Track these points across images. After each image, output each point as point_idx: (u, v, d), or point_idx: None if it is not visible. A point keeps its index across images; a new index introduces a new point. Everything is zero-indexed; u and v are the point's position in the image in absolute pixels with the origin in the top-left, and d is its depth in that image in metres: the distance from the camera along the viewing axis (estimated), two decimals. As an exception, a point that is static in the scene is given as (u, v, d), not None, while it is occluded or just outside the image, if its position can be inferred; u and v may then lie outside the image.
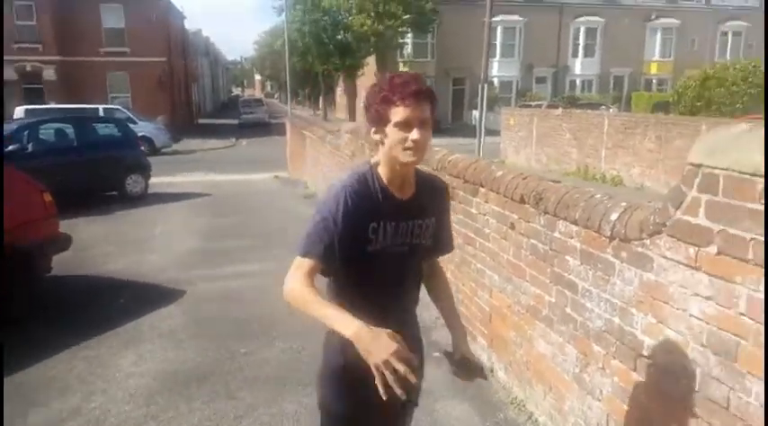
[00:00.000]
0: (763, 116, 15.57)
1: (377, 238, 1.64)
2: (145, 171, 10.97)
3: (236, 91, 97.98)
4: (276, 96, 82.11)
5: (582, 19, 33.59)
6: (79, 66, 24.52)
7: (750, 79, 22.33)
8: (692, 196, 1.91)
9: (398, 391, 1.33)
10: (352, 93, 35.69)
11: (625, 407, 2.36)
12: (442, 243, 1.88)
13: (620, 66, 34.51)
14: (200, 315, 4.78)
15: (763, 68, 22.95)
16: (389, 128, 1.58)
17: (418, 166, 1.76)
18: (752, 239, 1.71)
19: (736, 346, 1.80)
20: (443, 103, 31.68)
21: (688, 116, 18.80)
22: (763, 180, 1.65)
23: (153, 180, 11.25)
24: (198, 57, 45.63)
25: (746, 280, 1.74)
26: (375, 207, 1.64)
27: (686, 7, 35.72)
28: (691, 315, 1.97)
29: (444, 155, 3.93)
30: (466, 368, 1.77)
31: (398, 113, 1.55)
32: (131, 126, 13.68)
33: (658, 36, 35.43)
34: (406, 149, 1.57)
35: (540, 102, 26.16)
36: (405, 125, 1.56)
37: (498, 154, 17.42)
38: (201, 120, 38.76)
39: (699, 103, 22.56)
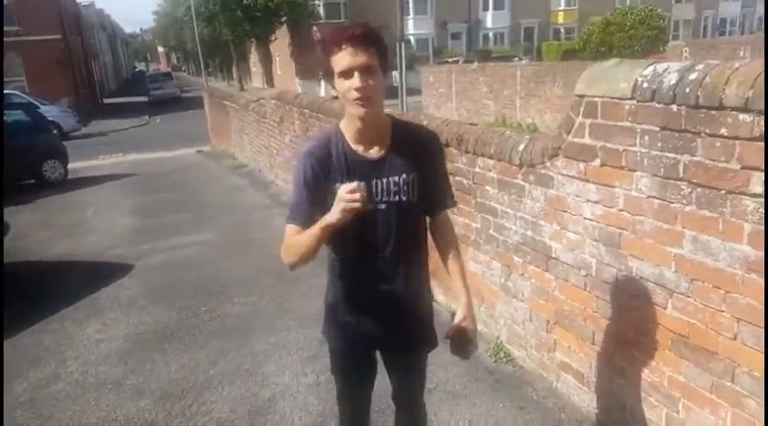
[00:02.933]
0: (659, 55, 16.85)
1: None
2: (61, 156, 10.62)
3: (140, 66, 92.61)
4: (183, 69, 78.42)
5: (489, -29, 34.32)
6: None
7: (647, 22, 23.92)
8: (579, 121, 2.39)
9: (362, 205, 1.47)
10: (266, 60, 34.90)
11: (542, 302, 2.89)
12: (433, 198, 1.78)
13: (529, 17, 35.67)
14: (154, 283, 4.98)
15: (658, 12, 24.58)
16: (336, 80, 1.56)
17: (403, 118, 1.82)
18: (624, 150, 2.20)
19: (619, 236, 2.32)
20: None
21: (594, 61, 19.97)
22: (631, 101, 2.12)
23: (71, 165, 10.93)
24: (94, 32, 42.86)
25: (623, 183, 2.24)
26: (340, 167, 1.64)
27: (587, -46, 37.19)
28: (584, 218, 2.48)
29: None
30: (460, 341, 1.73)
31: (339, 61, 1.52)
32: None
33: (563, -16, 36.82)
34: (354, 100, 1.54)
35: (456, 59, 26.83)
36: (346, 73, 1.52)
37: (421, 112, 17.91)
38: (107, 100, 36.77)
39: (602, 49, 23.97)
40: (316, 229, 1.58)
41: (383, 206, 1.67)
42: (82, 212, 8.03)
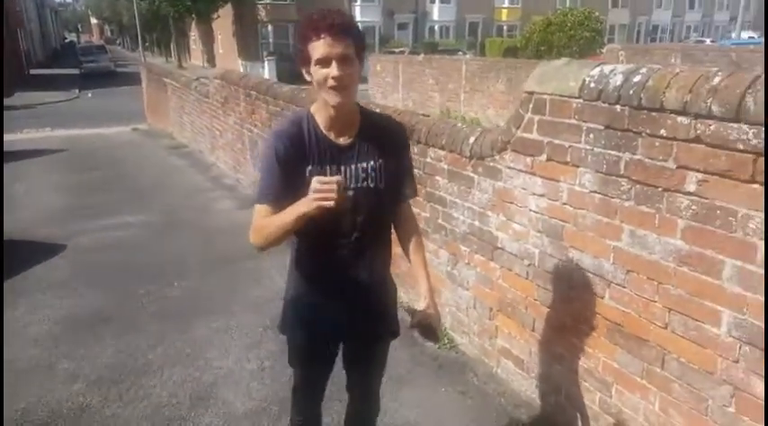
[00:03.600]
0: (596, 57, 17.53)
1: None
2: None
3: (71, 37, 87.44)
4: (118, 42, 74.71)
5: (437, -36, 34.53)
6: None
7: (586, 24, 24.82)
8: (528, 117, 2.48)
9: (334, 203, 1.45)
10: (208, 38, 33.78)
11: (486, 290, 2.99)
12: (396, 187, 1.80)
13: (474, 12, 36.21)
14: (88, 264, 4.76)
15: (596, 15, 25.55)
16: (313, 67, 1.55)
17: (372, 108, 1.86)
18: (569, 146, 2.30)
19: (562, 228, 2.43)
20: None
21: (534, 60, 20.55)
22: (578, 99, 2.22)
23: (-8, 138, 10.21)
24: (21, -2, 39.97)
25: (567, 178, 2.35)
26: (311, 150, 1.64)
27: (531, -44, 38.05)
28: (530, 210, 2.58)
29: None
30: (423, 328, 1.77)
31: (317, 49, 1.53)
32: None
33: (507, -17, 37.57)
34: (330, 88, 1.55)
35: (402, 49, 26.91)
36: (323, 61, 1.53)
37: (368, 99, 17.89)
38: (34, 71, 34.50)
39: (543, 47, 24.68)
40: (288, 217, 1.56)
41: (351, 192, 1.67)
42: (9, 188, 7.53)
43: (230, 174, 7.62)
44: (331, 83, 1.54)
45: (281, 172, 1.64)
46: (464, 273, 3.15)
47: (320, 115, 1.68)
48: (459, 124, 3.09)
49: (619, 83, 2.05)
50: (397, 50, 25.84)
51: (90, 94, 23.02)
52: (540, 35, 25.03)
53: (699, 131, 1.81)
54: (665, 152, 1.93)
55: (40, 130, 13.58)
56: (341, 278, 1.77)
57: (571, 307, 2.46)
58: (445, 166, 3.13)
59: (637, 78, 2.00)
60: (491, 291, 2.95)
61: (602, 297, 2.28)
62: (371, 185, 1.71)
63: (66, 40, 78.62)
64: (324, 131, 1.68)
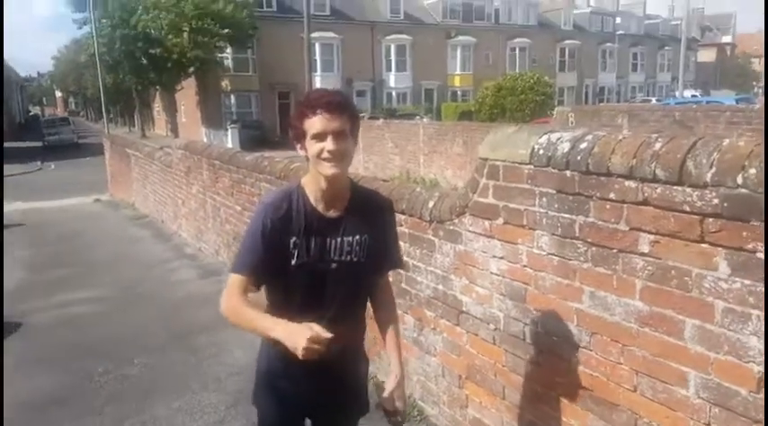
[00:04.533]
0: (547, 119, 18.30)
1: (299, 253, 1.68)
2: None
3: (35, 110, 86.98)
4: (82, 114, 74.65)
5: (391, 37, 36.11)
6: None
7: (535, 88, 26.11)
8: (483, 182, 2.53)
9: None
10: (171, 108, 34.01)
11: (454, 357, 2.94)
12: (381, 260, 1.84)
13: (429, 79, 37.69)
14: (43, 343, 4.56)
15: (545, 80, 26.92)
16: (308, 142, 1.63)
17: (360, 183, 1.92)
18: (525, 210, 2.35)
19: (525, 291, 2.44)
20: (271, 117, 31.77)
21: (488, 122, 21.36)
22: (529, 166, 2.29)
23: (-55, 214, 9.85)
24: (-18, 73, 39.77)
25: (525, 241, 2.38)
26: (297, 222, 1.68)
27: (479, 26, 40.22)
28: (492, 273, 2.59)
29: (287, 164, 4.29)
30: (392, 413, 1.79)
31: (313, 125, 1.61)
32: None
33: (459, 52, 39.37)
34: (324, 160, 1.61)
35: (362, 114, 27.56)
36: (319, 136, 1.60)
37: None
38: (-7, 145, 33.94)
39: (496, 111, 25.77)
40: (264, 328, 1.59)
41: (334, 265, 1.72)
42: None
43: (192, 243, 7.50)
44: (326, 155, 1.60)
45: (264, 246, 1.67)
46: (431, 339, 3.11)
47: (311, 188, 1.73)
48: (419, 189, 3.14)
49: (566, 150, 2.13)
50: (358, 116, 26.45)
51: (53, 166, 22.68)
52: (492, 99, 26.16)
53: (646, 194, 1.88)
54: (616, 214, 1.99)
55: (-4, 205, 13.17)
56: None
57: (540, 373, 2.43)
58: (406, 230, 3.15)
59: (583, 145, 2.09)
60: (459, 358, 2.91)
61: (570, 361, 2.27)
62: (354, 259, 1.74)
63: (31, 114, 78.01)
64: (313, 204, 1.72)
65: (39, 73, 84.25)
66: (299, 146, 1.69)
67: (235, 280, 1.68)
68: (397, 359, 1.86)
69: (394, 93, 36.97)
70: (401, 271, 3.23)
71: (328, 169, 1.63)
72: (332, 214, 1.74)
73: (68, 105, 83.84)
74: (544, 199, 2.25)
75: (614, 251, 2.01)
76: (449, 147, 14.06)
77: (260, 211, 1.72)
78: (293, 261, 1.69)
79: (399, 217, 3.16)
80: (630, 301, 1.99)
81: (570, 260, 2.19)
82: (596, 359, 2.16)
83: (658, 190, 1.84)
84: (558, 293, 2.27)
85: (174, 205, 8.24)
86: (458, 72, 39.36)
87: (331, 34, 32.98)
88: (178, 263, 6.83)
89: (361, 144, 17.32)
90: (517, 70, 35.14)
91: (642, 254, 1.93)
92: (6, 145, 33.78)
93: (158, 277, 6.33)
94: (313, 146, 1.62)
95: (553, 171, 2.19)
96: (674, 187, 1.80)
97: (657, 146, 1.88)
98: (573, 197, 2.13)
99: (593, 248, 2.09)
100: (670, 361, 1.89)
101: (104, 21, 25.41)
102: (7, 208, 12.65)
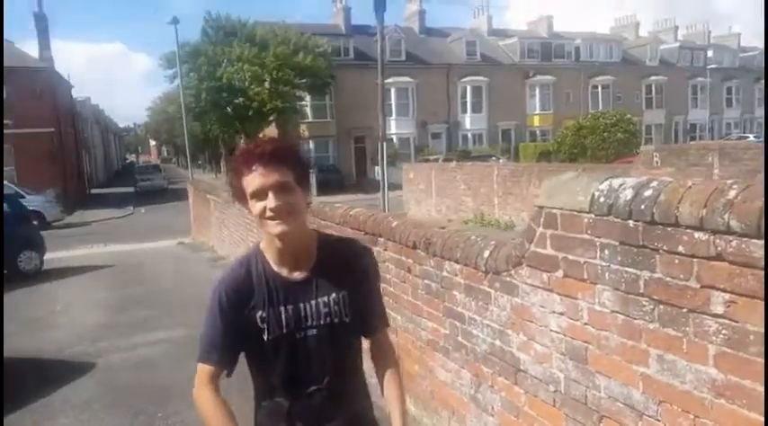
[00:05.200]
0: (632, 158, 17.53)
1: (269, 327, 1.49)
2: (38, 247, 10.45)
3: (131, 158, 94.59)
4: (173, 161, 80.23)
5: (467, 79, 36.32)
6: (-44, 140, 22.86)
7: (618, 125, 25.20)
8: (540, 231, 2.38)
9: None
10: (254, 155, 35.67)
11: (513, 418, 2.73)
12: (366, 318, 1.63)
13: (505, 119, 37.39)
14: (113, 384, 4.74)
15: (629, 117, 25.98)
16: (250, 202, 1.45)
17: (330, 233, 1.75)
18: (585, 262, 2.17)
19: (586, 351, 2.23)
20: (347, 161, 32.61)
21: (567, 162, 20.75)
22: (589, 214, 2.12)
23: (49, 255, 10.77)
24: (88, 125, 43.98)
25: (586, 296, 2.19)
26: (260, 292, 1.51)
27: (559, 65, 39.69)
28: (551, 330, 2.40)
29: (346, 210, 4.29)
30: None
31: (250, 183, 1.42)
32: (19, 200, 13.06)
33: (537, 91, 38.88)
34: (269, 218, 1.42)
35: (436, 156, 27.75)
36: (258, 194, 1.42)
37: (401, 206, 18.21)
38: (95, 190, 37.07)
39: (575, 151, 25.01)
40: None
41: (313, 331, 1.52)
42: (51, 305, 7.77)
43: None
44: (269, 214, 1.42)
45: (225, 326, 1.49)
46: (488, 397, 2.91)
47: (269, 250, 1.54)
48: (474, 237, 3.00)
49: (629, 197, 1.95)
50: (431, 158, 26.62)
51: (143, 210, 24.32)
52: (572, 139, 25.45)
53: (719, 248, 1.67)
54: (685, 270, 1.78)
55: (92, 247, 14.24)
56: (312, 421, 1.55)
57: (604, 442, 2.19)
58: (461, 280, 3.01)
59: (647, 192, 1.91)
60: (517, 419, 2.69)
61: (637, 431, 2.03)
62: (336, 320, 1.54)
63: (127, 161, 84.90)
64: (275, 268, 1.53)
65: (135, 123, 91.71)
66: (245, 207, 1.49)
67: (201, 371, 1.52)
68: (399, 421, 1.60)
69: (469, 135, 36.92)
70: (457, 323, 3.09)
71: (275, 227, 1.43)
72: (297, 276, 1.54)
73: (161, 153, 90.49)
74: (606, 251, 2.07)
75: (684, 310, 1.80)
76: (524, 189, 13.75)
77: (214, 289, 1.53)
78: (265, 337, 1.49)
79: (454, 266, 3.05)
80: (702, 368, 1.76)
81: (635, 319, 1.98)
82: (667, 431, 1.91)
83: (733, 244, 1.63)
84: (623, 355, 2.05)
85: (246, 247, 8.47)
86: (537, 112, 38.82)
87: (406, 78, 33.67)
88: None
89: (433, 187, 17.40)
90: (600, 108, 34.20)
91: (715, 316, 1.70)
92: (104, 190, 36.91)
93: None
94: (255, 206, 1.43)
95: (615, 220, 2.01)
96: (753, 240, 1.58)
97: (732, 193, 1.68)
98: (637, 249, 1.94)
99: (661, 306, 1.88)
100: (753, 440, 1.63)
101: (192, 74, 27.38)
102: (102, 250, 13.64)
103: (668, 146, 20.93)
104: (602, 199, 2.06)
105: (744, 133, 42.16)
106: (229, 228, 9.72)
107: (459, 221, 15.24)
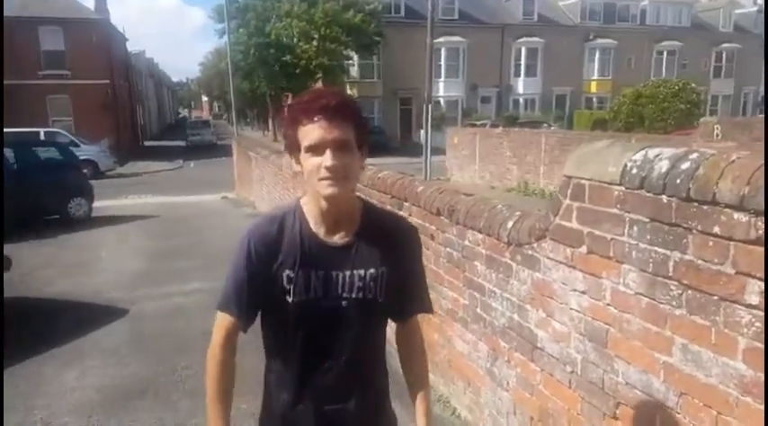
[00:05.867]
0: (692, 130, 16.62)
1: (295, 289, 1.38)
2: (88, 194, 10.83)
3: (184, 112, 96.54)
4: (224, 117, 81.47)
5: (522, 40, 34.96)
6: (18, 90, 23.73)
7: (680, 95, 23.82)
8: (566, 203, 2.21)
9: None
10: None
11: (527, 395, 2.63)
12: (406, 300, 1.51)
13: (561, 85, 35.98)
14: (143, 331, 4.87)
15: (692, 86, 24.53)
16: (303, 155, 1.33)
17: (376, 203, 1.66)
18: (612, 239, 2.00)
19: (606, 333, 2.09)
20: (392, 123, 32.24)
21: (623, 132, 19.85)
22: (620, 187, 1.94)
23: (98, 203, 11.17)
24: (142, 78, 44.90)
25: (610, 275, 2.03)
26: (292, 251, 1.39)
27: (622, 28, 37.61)
28: (571, 308, 2.25)
29: (374, 172, 4.18)
30: None
31: (307, 134, 1.30)
32: (74, 149, 13.56)
33: (597, 56, 37.12)
34: (321, 179, 1.30)
35: (484, 121, 27.04)
36: (315, 148, 1.29)
37: (444, 172, 17.92)
38: (148, 143, 38.09)
39: (632, 120, 23.87)
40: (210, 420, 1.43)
41: (344, 302, 1.40)
42: (96, 251, 8.07)
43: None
44: (324, 173, 1.29)
45: (250, 277, 1.39)
46: (504, 372, 2.81)
47: (310, 208, 1.42)
48: (500, 206, 2.85)
49: (664, 170, 1.76)
50: (478, 123, 25.96)
51: (192, 164, 24.84)
52: (630, 107, 24.26)
53: (760, 231, 1.48)
54: (720, 253, 1.60)
55: (140, 197, 14.70)
56: (324, 413, 1.44)
57: (618, 429, 2.07)
58: (483, 251, 2.88)
59: (685, 165, 1.71)
60: (531, 397, 2.59)
61: (653, 422, 1.89)
62: (369, 296, 1.41)
63: (180, 116, 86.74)
64: (313, 227, 1.41)
65: (188, 78, 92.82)
66: (293, 159, 1.38)
67: (220, 321, 1.44)
68: (424, 420, 1.51)
69: (521, 100, 35.79)
70: (477, 294, 2.98)
71: (326, 188, 1.30)
72: (337, 240, 1.41)
73: (212, 108, 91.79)
74: (635, 228, 1.89)
75: (715, 298, 1.63)
76: (572, 158, 13.20)
77: (242, 238, 1.42)
78: (290, 299, 1.38)
79: (476, 236, 2.92)
80: (730, 361, 1.60)
81: (661, 303, 1.81)
82: (684, 424, 1.77)
83: (777, 228, 1.44)
84: (645, 341, 1.90)
85: (284, 206, 8.54)
86: (595, 77, 37.18)
87: (457, 38, 32.65)
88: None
89: (477, 153, 16.99)
90: (663, 75, 32.36)
91: (749, 306, 1.53)
92: (156, 143, 37.87)
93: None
94: (308, 161, 1.31)
95: (647, 194, 1.83)
96: (801, 225, 1.39)
97: (781, 170, 1.48)
98: (669, 227, 1.76)
99: (690, 292, 1.71)
100: (780, 444, 1.48)
101: (241, 30, 27.34)
102: (150, 200, 14.06)
103: (732, 119, 19.67)
104: (634, 171, 1.87)
105: (819, 108, 39.29)
106: (268, 186, 9.79)
107: (503, 189, 14.89)
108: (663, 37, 38.40)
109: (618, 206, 1.96)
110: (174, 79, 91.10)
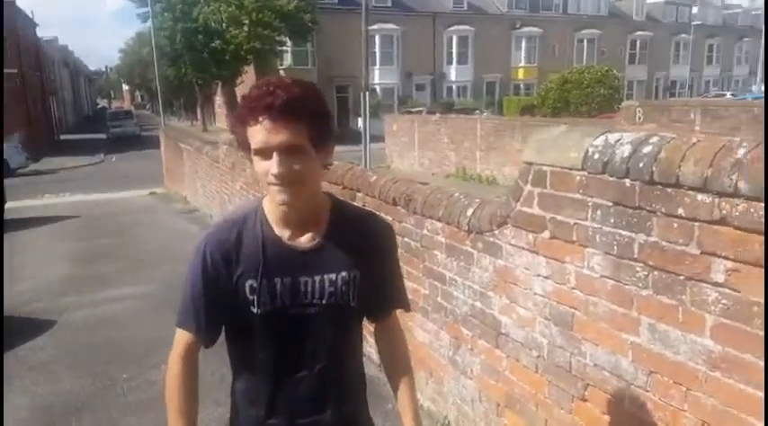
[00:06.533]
0: (613, 114, 17.41)
1: (260, 299, 1.28)
2: (-3, 194, 10.01)
3: (103, 103, 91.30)
4: (147, 107, 77.74)
5: (453, 28, 35.43)
6: None
7: (603, 81, 24.90)
8: (527, 189, 2.22)
9: None
10: (231, 103, 34.64)
11: (492, 382, 2.64)
12: (376, 301, 1.42)
13: (491, 72, 36.80)
14: (74, 343, 4.52)
15: (614, 73, 25.67)
16: (254, 158, 1.22)
17: (348, 202, 1.53)
18: (575, 223, 2.02)
19: (572, 317, 2.11)
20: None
21: (550, 117, 20.55)
22: (582, 172, 1.96)
23: (11, 204, 10.30)
24: (55, 67, 42.12)
25: (574, 259, 2.05)
26: (254, 259, 1.28)
27: (546, 16, 38.90)
28: (535, 293, 2.27)
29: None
30: None
31: (253, 136, 1.18)
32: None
33: (523, 44, 38.23)
34: (271, 184, 1.20)
35: (420, 109, 27.23)
36: (262, 152, 1.18)
37: (384, 159, 17.92)
38: (64, 136, 35.79)
39: (559, 105, 24.74)
40: None
41: (312, 310, 1.31)
42: (11, 258, 7.44)
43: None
44: (272, 179, 1.18)
45: (207, 293, 1.30)
46: (467, 360, 2.82)
47: (272, 210, 1.31)
48: (457, 194, 2.84)
49: (626, 154, 1.79)
50: (414, 110, 26.13)
51: (114, 158, 23.60)
52: (557, 93, 25.14)
53: (724, 212, 1.53)
54: (685, 234, 1.64)
55: (59, 196, 13.76)
56: (299, 425, 1.36)
57: (587, 410, 2.11)
58: (443, 240, 2.86)
59: (647, 149, 1.74)
60: (497, 383, 2.61)
61: (622, 402, 1.94)
62: (341, 302, 1.33)
63: (98, 106, 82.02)
64: (276, 230, 1.30)
65: (107, 66, 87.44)
66: (247, 157, 1.26)
67: (178, 338, 1.34)
68: (411, 422, 1.43)
69: (454, 87, 36.32)
70: (437, 283, 2.96)
71: (277, 195, 1.20)
72: (304, 244, 1.31)
73: (135, 98, 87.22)
74: (598, 212, 1.92)
75: (681, 278, 1.67)
76: (508, 143, 13.57)
77: (198, 246, 1.31)
78: (254, 310, 1.28)
79: (435, 225, 2.89)
80: (698, 339, 1.65)
81: (627, 284, 1.85)
82: (654, 402, 1.82)
83: (740, 208, 1.49)
84: (611, 322, 1.93)
85: (220, 200, 8.24)
86: (522, 64, 38.26)
87: (391, 26, 32.62)
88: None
89: (416, 140, 17.10)
90: (584, 62, 33.73)
91: (716, 284, 1.58)
92: (74, 136, 35.67)
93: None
94: (258, 164, 1.20)
95: (610, 179, 1.85)
96: (762, 205, 1.44)
97: (741, 152, 1.52)
98: (633, 211, 1.79)
99: (656, 273, 1.75)
100: (745, 415, 1.54)
101: (166, 14, 26.12)
102: (70, 199, 13.21)
103: (651, 102, 20.82)
104: (596, 156, 1.89)
105: (721, 91, 42.31)
106: (203, 180, 9.42)
107: (442, 175, 15.08)
108: (583, 25, 40.06)
109: (580, 191, 1.98)
110: (92, 67, 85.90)
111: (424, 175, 14.62)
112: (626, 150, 1.80)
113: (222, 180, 7.91)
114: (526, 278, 2.30)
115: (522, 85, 38.41)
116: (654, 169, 1.69)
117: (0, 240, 5.14)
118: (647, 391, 1.84)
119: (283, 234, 1.31)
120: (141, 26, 32.10)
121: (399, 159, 17.90)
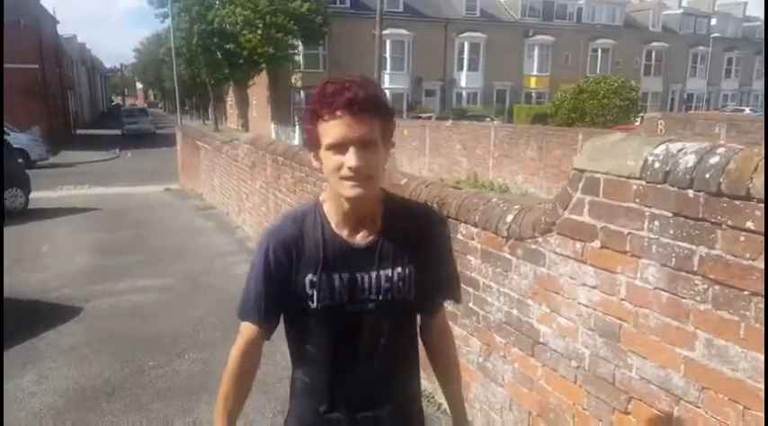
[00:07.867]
0: (630, 126, 17.31)
1: (319, 294, 1.30)
2: (24, 184, 10.09)
3: (117, 100, 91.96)
4: (160, 105, 78.22)
5: (465, 34, 35.35)
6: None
7: (620, 92, 24.76)
8: (577, 197, 2.17)
9: None
10: (243, 103, 34.85)
11: (525, 390, 2.60)
12: (432, 296, 1.44)
13: (502, 79, 36.65)
14: (101, 330, 4.57)
15: (631, 84, 25.53)
16: (323, 152, 1.23)
17: (398, 195, 1.52)
18: (629, 233, 1.98)
19: (619, 328, 2.07)
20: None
21: (564, 127, 20.45)
22: (639, 181, 1.91)
23: (33, 194, 10.42)
24: (74, 64, 42.43)
25: (626, 270, 2.01)
26: (314, 255, 1.31)
27: (560, 25, 38.73)
28: (579, 303, 2.22)
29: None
30: None
31: (329, 131, 1.19)
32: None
33: (536, 52, 38.02)
34: (343, 179, 1.21)
35: (429, 114, 27.17)
36: (337, 147, 1.19)
37: (393, 163, 17.90)
38: (80, 131, 36.05)
39: (573, 115, 24.61)
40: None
41: (371, 305, 1.32)
42: (36, 246, 7.51)
43: (254, 238, 7.45)
44: (346, 173, 1.20)
45: (269, 284, 1.32)
46: (499, 367, 2.77)
47: (331, 207, 1.34)
48: (495, 199, 2.80)
49: (691, 164, 1.74)
50: (423, 115, 26.08)
51: (129, 154, 23.72)
52: (571, 102, 25.02)
53: (786, 221, 1.48)
54: (753, 248, 1.59)
55: (78, 188, 13.91)
56: (358, 420, 1.38)
57: (628, 423, 2.06)
58: (478, 245, 2.82)
59: (714, 159, 1.69)
60: (530, 392, 2.56)
61: (669, 416, 1.89)
62: (398, 297, 1.34)
63: (113, 103, 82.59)
64: (334, 228, 1.33)
65: (122, 64, 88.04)
66: (312, 155, 1.28)
67: (242, 329, 1.38)
68: (462, 420, 1.48)
69: (464, 93, 36.21)
70: (469, 289, 2.92)
71: (349, 190, 1.21)
72: (360, 241, 1.33)
73: (148, 96, 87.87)
74: (656, 223, 1.87)
75: (746, 293, 1.62)
76: (522, 152, 13.50)
77: (262, 242, 1.35)
78: (313, 305, 1.30)
79: (470, 230, 2.85)
80: (760, 356, 1.60)
81: (684, 298, 1.80)
82: (705, 418, 1.77)
83: (815, 223, 1.44)
84: (664, 336, 1.88)
85: (238, 199, 8.24)
86: (534, 73, 38.03)
87: (403, 31, 32.62)
88: (239, 258, 6.77)
89: (427, 144, 17.06)
90: (598, 72, 33.56)
91: (786, 302, 1.53)
92: (89, 131, 35.94)
93: (219, 270, 6.29)
94: (330, 159, 1.21)
95: (671, 189, 1.80)
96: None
97: (814, 165, 1.47)
98: (695, 222, 1.74)
99: (717, 287, 1.70)
100: (811, 437, 1.49)
101: (183, 15, 26.26)
102: (88, 192, 13.30)
103: (673, 115, 20.65)
104: (656, 165, 1.85)
105: (740, 106, 41.80)
106: (220, 177, 9.42)
107: (452, 181, 15.01)
108: (597, 35, 39.82)
109: (637, 200, 1.93)
110: (108, 65, 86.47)
111: (435, 181, 14.56)
112: (690, 160, 1.75)
113: (241, 178, 7.91)
114: (570, 287, 2.26)
115: (533, 94, 38.21)
116: (722, 180, 1.64)
117: (0, 238, 5.16)
118: (699, 407, 1.79)
119: (342, 231, 1.34)
120: (154, 26, 32.30)
121: (409, 164, 17.84)
